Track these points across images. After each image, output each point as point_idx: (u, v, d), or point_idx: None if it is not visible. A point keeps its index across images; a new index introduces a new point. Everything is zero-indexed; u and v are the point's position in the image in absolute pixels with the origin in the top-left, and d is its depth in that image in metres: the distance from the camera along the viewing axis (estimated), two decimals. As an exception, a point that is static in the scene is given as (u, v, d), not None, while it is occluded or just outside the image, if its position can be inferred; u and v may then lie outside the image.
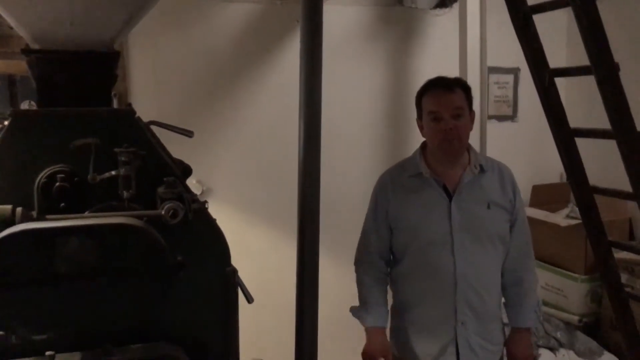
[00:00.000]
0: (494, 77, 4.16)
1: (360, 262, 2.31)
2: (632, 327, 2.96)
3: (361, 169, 3.71)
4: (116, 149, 1.45)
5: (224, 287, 1.58)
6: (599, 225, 2.82)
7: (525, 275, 2.25)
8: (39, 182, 1.45)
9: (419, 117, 2.18)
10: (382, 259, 2.25)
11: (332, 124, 3.31)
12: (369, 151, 3.81)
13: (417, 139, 2.34)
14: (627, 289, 3.09)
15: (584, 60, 2.47)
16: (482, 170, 2.15)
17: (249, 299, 1.76)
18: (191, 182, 3.28)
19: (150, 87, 3.29)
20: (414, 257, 2.16)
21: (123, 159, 1.45)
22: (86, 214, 1.45)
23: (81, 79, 1.55)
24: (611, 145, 2.53)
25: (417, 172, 2.15)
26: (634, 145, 2.43)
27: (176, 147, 1.84)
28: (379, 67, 3.83)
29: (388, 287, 2.32)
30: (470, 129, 2.15)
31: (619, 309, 2.93)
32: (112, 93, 1.73)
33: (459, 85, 2.12)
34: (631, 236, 3.97)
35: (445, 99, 2.07)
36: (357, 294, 3.74)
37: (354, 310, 2.30)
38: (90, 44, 1.53)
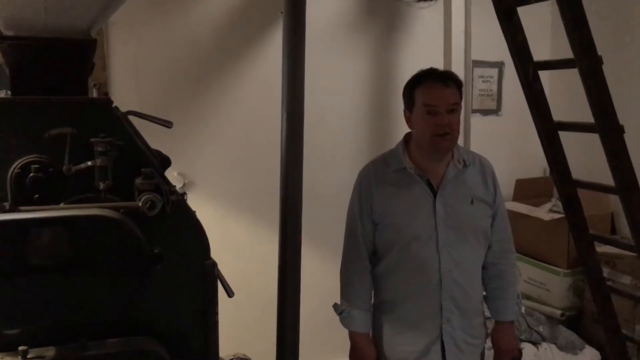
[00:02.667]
0: (478, 71, 4.16)
1: (349, 260, 2.25)
2: (613, 320, 2.98)
3: (344, 161, 3.69)
4: (92, 139, 1.42)
5: (203, 280, 1.55)
6: (581, 219, 2.83)
7: (507, 268, 2.24)
8: (12, 173, 1.41)
9: (408, 109, 2.12)
10: (368, 254, 2.22)
11: (315, 115, 3.29)
12: (353, 143, 3.79)
13: (400, 130, 2.32)
14: (609, 283, 3.12)
15: (567, 54, 2.48)
16: (465, 165, 2.13)
17: (230, 293, 1.73)
18: (172, 175, 3.25)
19: (131, 78, 3.24)
20: (398, 254, 2.13)
21: (99, 149, 1.41)
22: (61, 205, 1.42)
23: (56, 67, 1.51)
24: (594, 139, 2.54)
25: (401, 167, 2.12)
26: (616, 138, 2.44)
27: (158, 139, 1.81)
28: (363, 59, 3.81)
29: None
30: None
31: (600, 303, 2.96)
32: (92, 83, 1.70)
33: (454, 80, 2.08)
34: (613, 230, 4.00)
35: (442, 93, 2.02)
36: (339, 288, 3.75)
37: (338, 311, 2.26)
38: (65, 31, 1.49)
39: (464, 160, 2.12)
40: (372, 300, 2.27)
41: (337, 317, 2.30)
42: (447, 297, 2.10)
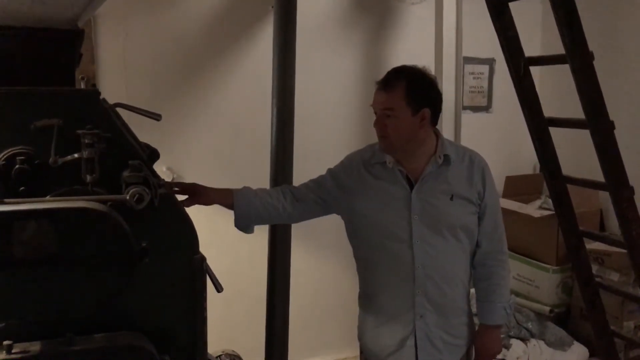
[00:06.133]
0: (469, 68, 4.16)
1: (297, 185, 2.25)
2: (601, 316, 2.99)
3: (335, 157, 3.64)
4: (79, 131, 1.39)
5: (191, 275, 1.53)
6: (571, 215, 2.84)
7: (495, 270, 2.20)
8: (-4, 165, 1.38)
9: None
10: (297, 199, 2.16)
11: (305, 110, 3.27)
12: (343, 139, 3.77)
13: (391, 127, 2.31)
14: (597, 279, 3.13)
15: (558, 50, 2.48)
16: (447, 160, 2.11)
17: (218, 288, 1.71)
18: (161, 169, 3.23)
19: (119, 71, 3.21)
20: (374, 247, 2.12)
21: (86, 141, 1.39)
22: (47, 198, 1.39)
23: (43, 57, 1.49)
24: (585, 136, 2.54)
25: (382, 160, 2.12)
26: (606, 135, 2.45)
27: (147, 133, 1.79)
28: (354, 55, 3.80)
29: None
30: (415, 128, 2.03)
31: (588, 299, 2.97)
32: (80, 76, 1.67)
33: (405, 82, 2.01)
34: (601, 227, 4.02)
35: (378, 97, 2.05)
36: (329, 285, 3.74)
37: None
38: (52, 20, 1.47)
39: (446, 156, 2.10)
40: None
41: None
42: (420, 292, 2.07)
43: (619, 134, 2.49)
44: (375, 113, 2.07)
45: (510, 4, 2.59)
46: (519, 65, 2.59)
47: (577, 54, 2.35)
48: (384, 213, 2.09)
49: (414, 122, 2.02)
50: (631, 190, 2.53)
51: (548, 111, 2.78)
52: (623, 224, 2.58)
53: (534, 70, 2.76)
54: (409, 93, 2.00)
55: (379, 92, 2.05)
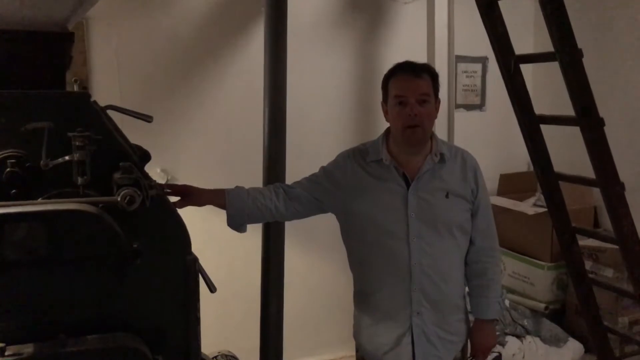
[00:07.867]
0: (462, 66, 4.17)
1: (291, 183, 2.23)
2: (595, 312, 3.01)
3: (328, 157, 3.66)
4: (70, 134, 1.40)
5: (184, 275, 1.53)
6: (563, 212, 2.85)
7: (489, 266, 2.22)
8: (-12, 168, 1.39)
9: (384, 101, 2.14)
10: (290, 197, 2.15)
11: (298, 111, 3.28)
12: (336, 139, 3.78)
13: (384, 125, 2.32)
14: (591, 276, 3.15)
15: (550, 48, 2.49)
16: (442, 158, 2.13)
17: (212, 289, 1.72)
18: (156, 171, 3.23)
19: (112, 74, 3.21)
20: (370, 245, 2.13)
21: (77, 143, 1.39)
22: (39, 200, 1.40)
23: (33, 60, 1.49)
24: (576, 133, 2.55)
25: (378, 158, 2.13)
26: (596, 131, 2.46)
27: (141, 135, 1.79)
28: (347, 54, 3.81)
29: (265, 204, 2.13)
30: (435, 117, 2.12)
31: (582, 295, 2.98)
32: (73, 79, 1.67)
33: (427, 72, 2.08)
34: (596, 224, 4.03)
35: (412, 84, 2.03)
36: (325, 285, 3.75)
37: None
38: (41, 23, 1.47)
39: (441, 154, 2.12)
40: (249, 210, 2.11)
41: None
42: (416, 289, 2.09)
43: (610, 130, 2.51)
44: (402, 103, 2.03)
45: (500, 2, 2.61)
46: (509, 63, 2.61)
47: (565, 51, 2.37)
48: (380, 211, 2.10)
49: (435, 111, 2.09)
50: (622, 186, 2.54)
51: (542, 109, 2.79)
52: (614, 220, 2.60)
53: (527, 68, 2.78)
54: (434, 82, 2.07)
55: (411, 79, 2.04)
